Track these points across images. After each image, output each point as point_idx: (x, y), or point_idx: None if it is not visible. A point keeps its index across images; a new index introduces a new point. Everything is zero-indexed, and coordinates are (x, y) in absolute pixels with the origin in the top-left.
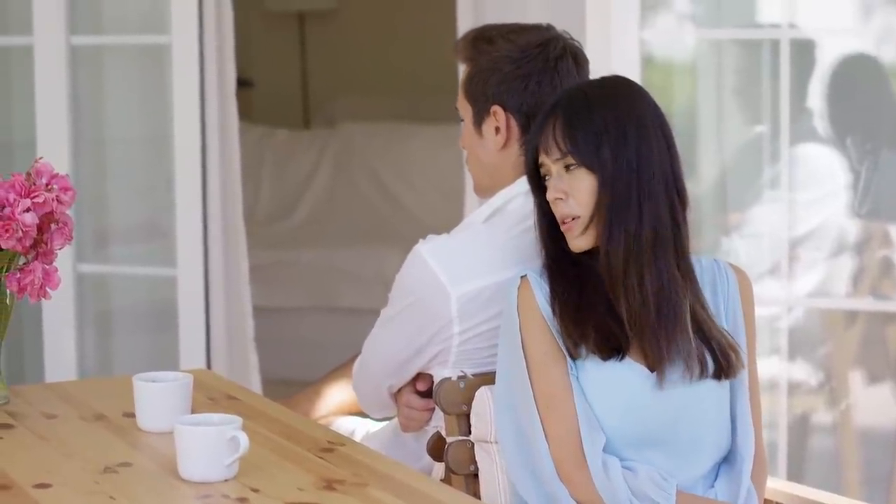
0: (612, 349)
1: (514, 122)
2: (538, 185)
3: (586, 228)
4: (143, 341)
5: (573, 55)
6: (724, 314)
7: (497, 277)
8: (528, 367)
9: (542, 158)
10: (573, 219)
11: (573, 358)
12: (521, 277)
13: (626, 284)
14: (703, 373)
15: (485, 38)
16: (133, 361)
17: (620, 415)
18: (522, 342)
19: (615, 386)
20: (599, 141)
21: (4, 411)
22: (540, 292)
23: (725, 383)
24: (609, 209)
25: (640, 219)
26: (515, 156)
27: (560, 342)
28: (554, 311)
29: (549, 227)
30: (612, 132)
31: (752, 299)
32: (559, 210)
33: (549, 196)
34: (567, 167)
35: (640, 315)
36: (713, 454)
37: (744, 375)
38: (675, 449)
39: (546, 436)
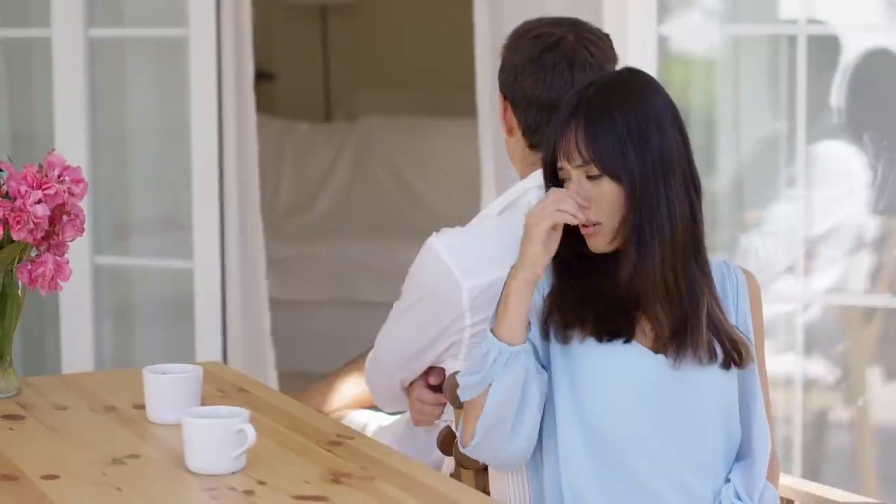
0: (611, 332)
1: (510, 113)
2: (553, 180)
3: (611, 234)
4: (160, 334)
5: (570, 49)
6: (734, 314)
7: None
8: None
9: (562, 163)
10: (595, 224)
11: (565, 342)
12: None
13: (658, 282)
14: (711, 360)
15: (510, 33)
16: (150, 354)
17: (624, 395)
18: None
19: (619, 367)
20: (623, 146)
21: (16, 402)
22: None
23: (733, 372)
24: (638, 213)
25: (671, 217)
26: (522, 146)
27: (538, 326)
28: (547, 298)
29: None
30: (635, 134)
31: (760, 301)
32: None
33: None
34: (589, 176)
35: (671, 309)
36: (717, 441)
37: (755, 372)
38: (677, 431)
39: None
